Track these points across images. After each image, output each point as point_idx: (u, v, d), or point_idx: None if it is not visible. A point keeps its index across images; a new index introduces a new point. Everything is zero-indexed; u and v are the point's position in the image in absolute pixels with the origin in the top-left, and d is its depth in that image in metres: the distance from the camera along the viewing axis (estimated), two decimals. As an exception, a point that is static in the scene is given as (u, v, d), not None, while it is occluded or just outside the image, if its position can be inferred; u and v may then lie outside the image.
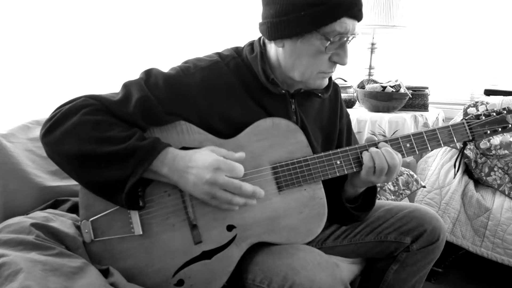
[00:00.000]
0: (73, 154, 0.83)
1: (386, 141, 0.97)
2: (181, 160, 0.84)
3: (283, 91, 0.98)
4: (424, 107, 2.44)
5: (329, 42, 0.87)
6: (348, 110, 1.67)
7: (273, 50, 0.96)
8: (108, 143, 0.82)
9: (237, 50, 1.01)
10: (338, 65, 0.94)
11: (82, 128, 0.83)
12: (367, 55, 2.62)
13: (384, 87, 2.29)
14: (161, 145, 0.84)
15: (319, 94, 1.01)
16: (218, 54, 1.00)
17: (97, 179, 0.84)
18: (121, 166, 0.82)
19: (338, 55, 0.91)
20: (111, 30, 1.69)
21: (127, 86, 0.91)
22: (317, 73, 0.93)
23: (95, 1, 1.62)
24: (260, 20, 0.95)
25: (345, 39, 0.89)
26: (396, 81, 2.33)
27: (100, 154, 0.82)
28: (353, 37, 0.91)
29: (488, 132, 1.01)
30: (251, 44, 1.01)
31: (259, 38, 1.00)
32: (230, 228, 0.91)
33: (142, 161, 0.82)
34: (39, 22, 1.44)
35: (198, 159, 0.83)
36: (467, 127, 1.01)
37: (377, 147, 0.96)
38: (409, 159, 1.94)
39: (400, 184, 1.68)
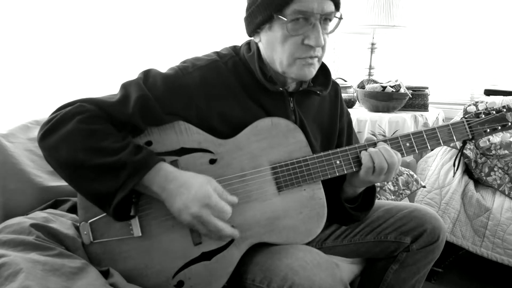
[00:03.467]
0: (67, 162, 0.82)
1: (385, 141, 0.97)
2: (173, 181, 0.83)
3: (281, 89, 0.98)
4: (424, 107, 2.44)
5: (287, 21, 0.86)
6: (348, 110, 1.67)
7: (260, 46, 0.97)
8: (101, 154, 0.81)
9: (235, 49, 1.01)
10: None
11: (76, 137, 0.82)
12: (367, 55, 2.62)
13: (384, 87, 2.29)
14: (153, 161, 0.83)
15: (318, 92, 1.01)
16: (217, 53, 1.00)
17: (88, 189, 0.83)
18: (111, 178, 0.81)
19: (309, 37, 0.89)
20: (110, 31, 1.69)
21: (125, 87, 0.90)
22: (293, 60, 0.91)
23: (95, 1, 1.62)
24: None
25: (314, 19, 0.88)
26: (396, 81, 2.33)
27: (92, 165, 0.81)
28: (330, 17, 0.90)
29: (488, 130, 1.01)
30: (248, 43, 1.01)
31: None
32: (229, 228, 0.91)
33: (132, 176, 0.81)
34: (39, 22, 1.44)
35: (191, 187, 0.82)
36: (466, 126, 1.00)
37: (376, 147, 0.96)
38: (409, 159, 1.94)
39: (400, 184, 1.68)
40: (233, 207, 0.87)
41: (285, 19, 0.86)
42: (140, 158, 0.82)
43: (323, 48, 0.93)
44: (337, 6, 0.92)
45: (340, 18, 0.93)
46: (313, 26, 0.88)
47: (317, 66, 0.95)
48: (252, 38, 0.98)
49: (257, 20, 0.91)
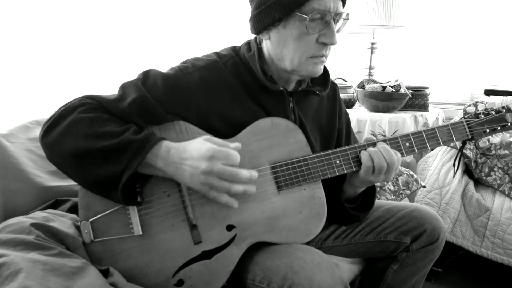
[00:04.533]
0: (70, 152, 0.83)
1: (385, 141, 0.97)
2: (176, 152, 0.84)
3: (281, 89, 0.98)
4: (424, 107, 2.44)
5: (307, 19, 0.87)
6: (348, 110, 1.66)
7: (265, 45, 0.97)
8: (102, 139, 0.82)
9: (235, 49, 1.02)
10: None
11: (77, 126, 0.84)
12: (367, 55, 2.63)
13: (384, 87, 2.29)
14: (155, 138, 0.84)
15: (317, 92, 1.01)
16: (216, 53, 1.00)
17: (93, 176, 0.84)
18: (115, 160, 0.82)
19: (325, 35, 0.90)
20: (110, 31, 1.69)
21: (124, 88, 0.91)
22: (306, 58, 0.92)
23: (95, 1, 1.62)
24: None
25: (329, 17, 0.89)
26: (396, 81, 2.33)
27: (95, 149, 0.82)
28: (340, 17, 0.91)
29: (487, 130, 1.01)
30: (248, 43, 1.01)
31: (255, 37, 1.01)
32: (229, 228, 0.91)
33: (135, 155, 0.82)
34: (39, 22, 1.44)
35: (193, 150, 0.83)
36: (466, 126, 1.01)
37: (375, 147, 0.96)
38: (409, 159, 1.94)
39: (400, 184, 1.68)
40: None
41: (306, 16, 0.87)
42: (141, 137, 0.83)
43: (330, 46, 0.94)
44: (343, 5, 0.93)
45: (346, 19, 0.94)
46: (328, 24, 0.89)
47: (324, 63, 0.97)
48: (258, 35, 0.97)
49: (272, 17, 0.90)
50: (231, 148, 0.85)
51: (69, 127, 0.84)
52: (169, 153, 0.84)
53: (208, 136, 0.87)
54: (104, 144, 0.82)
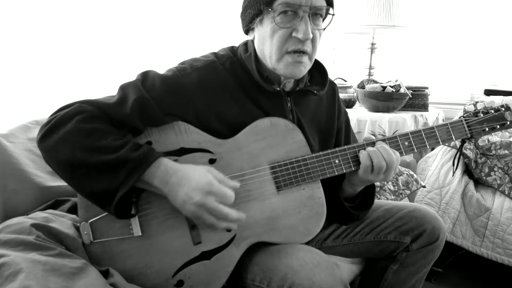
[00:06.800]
0: (67, 162, 0.82)
1: (384, 140, 0.98)
2: (174, 175, 0.83)
3: (278, 89, 0.98)
4: (424, 107, 2.44)
5: (275, 13, 0.88)
6: (348, 110, 1.67)
7: (255, 45, 0.98)
8: (100, 153, 0.82)
9: (233, 50, 1.02)
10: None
11: (76, 136, 0.83)
12: (367, 55, 2.63)
13: (384, 87, 2.29)
14: (153, 157, 0.84)
15: (315, 92, 1.01)
16: (214, 54, 1.01)
17: (89, 188, 0.83)
18: (112, 176, 0.81)
19: (296, 30, 0.89)
20: (110, 31, 1.69)
21: (124, 88, 0.91)
22: (283, 53, 0.91)
23: (94, 2, 1.63)
24: None
25: (302, 12, 0.88)
26: (396, 81, 2.33)
27: (92, 163, 0.81)
28: (321, 12, 0.90)
29: (487, 129, 1.01)
30: (245, 44, 1.01)
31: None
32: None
33: (132, 172, 0.81)
34: (39, 22, 1.44)
35: (192, 178, 0.83)
36: (465, 125, 1.01)
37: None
38: (409, 158, 1.94)
39: (400, 184, 1.68)
40: (235, 191, 0.86)
41: (273, 11, 0.88)
42: (139, 154, 0.83)
43: (313, 44, 0.93)
44: (329, 2, 0.92)
45: (332, 15, 0.94)
46: (301, 19, 0.89)
47: (307, 64, 0.95)
48: (247, 35, 1.00)
49: (248, 14, 0.93)
50: (230, 185, 0.85)
51: (67, 136, 0.83)
52: (167, 174, 0.83)
53: (211, 168, 0.87)
54: (101, 159, 0.81)
